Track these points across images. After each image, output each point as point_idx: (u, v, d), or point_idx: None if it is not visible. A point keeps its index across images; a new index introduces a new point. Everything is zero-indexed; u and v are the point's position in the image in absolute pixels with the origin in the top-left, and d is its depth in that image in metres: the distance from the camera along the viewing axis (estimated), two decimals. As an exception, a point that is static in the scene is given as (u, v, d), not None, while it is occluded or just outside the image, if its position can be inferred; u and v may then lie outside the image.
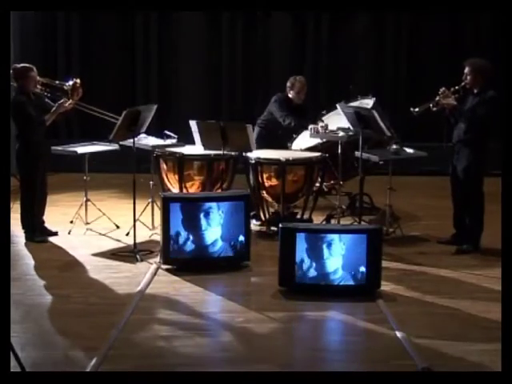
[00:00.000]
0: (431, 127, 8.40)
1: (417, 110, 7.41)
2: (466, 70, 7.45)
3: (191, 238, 7.02)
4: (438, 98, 7.31)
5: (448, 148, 7.56)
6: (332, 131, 8.31)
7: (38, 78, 7.84)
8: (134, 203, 7.42)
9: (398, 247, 7.70)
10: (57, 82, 8.03)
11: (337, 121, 8.59)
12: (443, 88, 7.28)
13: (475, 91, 7.45)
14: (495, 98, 7.37)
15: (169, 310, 6.19)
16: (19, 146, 7.78)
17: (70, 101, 7.86)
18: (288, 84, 8.67)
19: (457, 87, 7.24)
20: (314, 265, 6.46)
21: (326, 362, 5.28)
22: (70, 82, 7.90)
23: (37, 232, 7.86)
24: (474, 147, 7.42)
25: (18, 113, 7.63)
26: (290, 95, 8.64)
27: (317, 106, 10.94)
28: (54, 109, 7.72)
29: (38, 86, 7.83)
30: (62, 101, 7.77)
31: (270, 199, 8.31)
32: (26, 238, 7.83)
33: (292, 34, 11.78)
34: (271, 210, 8.40)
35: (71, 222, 8.31)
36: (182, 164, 8.16)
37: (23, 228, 7.87)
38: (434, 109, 7.33)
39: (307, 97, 8.83)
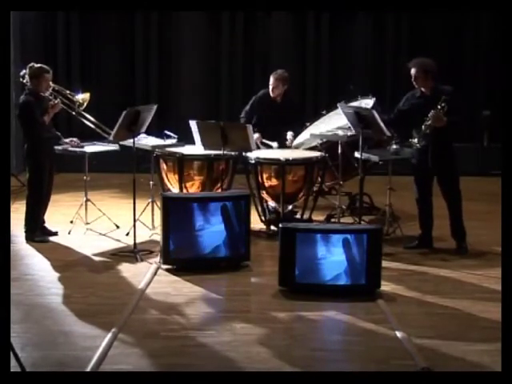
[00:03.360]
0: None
1: (415, 140, 7.43)
2: (413, 71, 7.44)
3: (191, 237, 7.02)
4: (430, 123, 7.28)
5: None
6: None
7: (52, 84, 7.86)
8: (134, 203, 7.43)
9: (397, 247, 7.70)
10: (68, 91, 8.06)
11: (337, 120, 8.60)
12: (433, 112, 7.24)
13: (423, 90, 7.46)
14: (457, 91, 7.50)
15: (169, 310, 6.19)
16: (27, 146, 7.79)
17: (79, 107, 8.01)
18: None
19: (443, 104, 7.22)
20: (313, 265, 6.46)
21: (326, 362, 5.28)
22: (80, 96, 7.96)
23: (37, 232, 7.86)
24: (450, 148, 7.48)
25: (24, 113, 7.68)
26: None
27: (317, 106, 11.02)
28: (49, 110, 7.75)
29: (50, 90, 7.83)
30: (56, 101, 7.79)
31: (269, 199, 8.32)
32: (27, 237, 7.83)
33: (292, 34, 11.78)
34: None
35: (71, 222, 8.31)
36: (181, 164, 8.16)
37: (25, 226, 7.86)
38: (428, 131, 7.34)
39: (290, 94, 8.86)
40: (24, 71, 7.90)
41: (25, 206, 7.88)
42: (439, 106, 7.21)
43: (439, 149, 7.41)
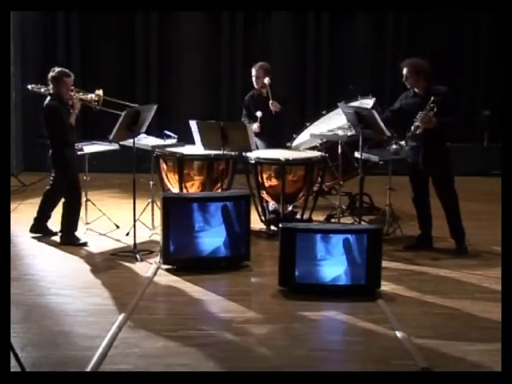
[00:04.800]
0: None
1: (402, 142, 7.41)
2: (405, 71, 7.43)
3: (191, 237, 7.02)
4: (419, 124, 7.24)
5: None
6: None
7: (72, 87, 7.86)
8: (134, 203, 7.43)
9: (397, 247, 7.70)
10: (81, 93, 8.04)
11: (337, 120, 8.61)
12: (422, 113, 7.20)
13: (416, 90, 7.46)
14: (451, 92, 7.50)
15: (169, 310, 6.19)
16: (54, 151, 7.66)
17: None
18: None
19: (432, 105, 7.20)
20: (313, 265, 6.46)
21: (325, 362, 5.28)
22: (92, 95, 8.02)
23: (72, 236, 7.78)
24: (443, 148, 7.47)
25: (50, 117, 7.58)
26: None
27: (317, 106, 11.02)
28: (72, 110, 7.69)
29: (71, 94, 7.80)
30: (74, 97, 7.78)
31: (269, 199, 8.32)
32: (63, 242, 7.74)
33: (292, 34, 11.78)
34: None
35: (71, 221, 8.29)
36: (181, 164, 8.17)
37: (62, 231, 7.76)
38: (418, 132, 7.31)
39: (275, 86, 8.88)
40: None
41: (62, 210, 7.79)
42: (428, 107, 7.19)
43: (430, 149, 7.40)
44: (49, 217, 7.98)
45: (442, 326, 5.88)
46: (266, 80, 8.61)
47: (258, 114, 8.54)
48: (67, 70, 7.78)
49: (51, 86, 7.73)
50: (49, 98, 7.71)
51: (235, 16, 11.61)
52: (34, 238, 7.91)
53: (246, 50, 11.73)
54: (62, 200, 7.78)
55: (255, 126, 8.51)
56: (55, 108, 7.60)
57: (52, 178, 7.91)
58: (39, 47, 11.60)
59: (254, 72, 8.76)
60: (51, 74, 7.71)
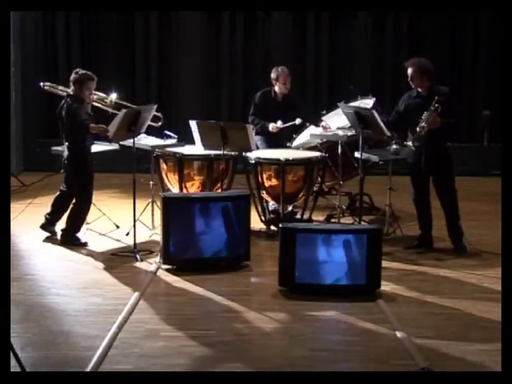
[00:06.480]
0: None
1: (410, 143, 7.40)
2: (410, 71, 7.42)
3: (191, 237, 7.02)
4: (424, 125, 7.23)
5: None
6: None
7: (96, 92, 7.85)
8: (134, 203, 7.42)
9: (397, 247, 7.70)
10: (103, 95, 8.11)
11: (337, 121, 8.61)
12: (427, 115, 7.19)
13: (419, 90, 7.46)
14: (452, 92, 7.53)
15: (169, 310, 6.19)
16: (74, 153, 7.62)
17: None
18: (272, 76, 8.86)
19: (436, 105, 7.19)
20: (313, 265, 6.46)
21: (325, 362, 5.27)
22: (113, 96, 8.09)
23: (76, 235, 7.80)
24: (444, 148, 7.47)
25: (74, 120, 7.49)
26: (276, 88, 8.77)
27: (317, 106, 11.02)
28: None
29: (92, 99, 7.80)
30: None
31: (269, 199, 8.32)
32: (63, 241, 7.73)
33: (292, 34, 11.78)
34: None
35: (71, 221, 8.29)
36: (182, 164, 8.17)
37: (65, 230, 7.76)
38: (423, 132, 7.29)
39: (294, 90, 8.89)
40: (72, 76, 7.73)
41: (70, 210, 7.77)
42: (432, 108, 7.18)
43: (433, 149, 7.40)
44: (59, 219, 7.94)
45: (442, 326, 5.88)
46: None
47: (298, 121, 8.63)
48: (90, 73, 7.70)
49: (72, 88, 7.67)
50: (68, 99, 7.63)
51: (235, 16, 11.61)
52: (33, 237, 7.90)
53: (246, 50, 11.74)
54: (73, 201, 7.77)
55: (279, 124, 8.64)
56: (80, 111, 7.52)
57: (66, 181, 7.81)
58: (39, 47, 11.60)
59: (285, 77, 8.70)
60: (74, 76, 7.64)
